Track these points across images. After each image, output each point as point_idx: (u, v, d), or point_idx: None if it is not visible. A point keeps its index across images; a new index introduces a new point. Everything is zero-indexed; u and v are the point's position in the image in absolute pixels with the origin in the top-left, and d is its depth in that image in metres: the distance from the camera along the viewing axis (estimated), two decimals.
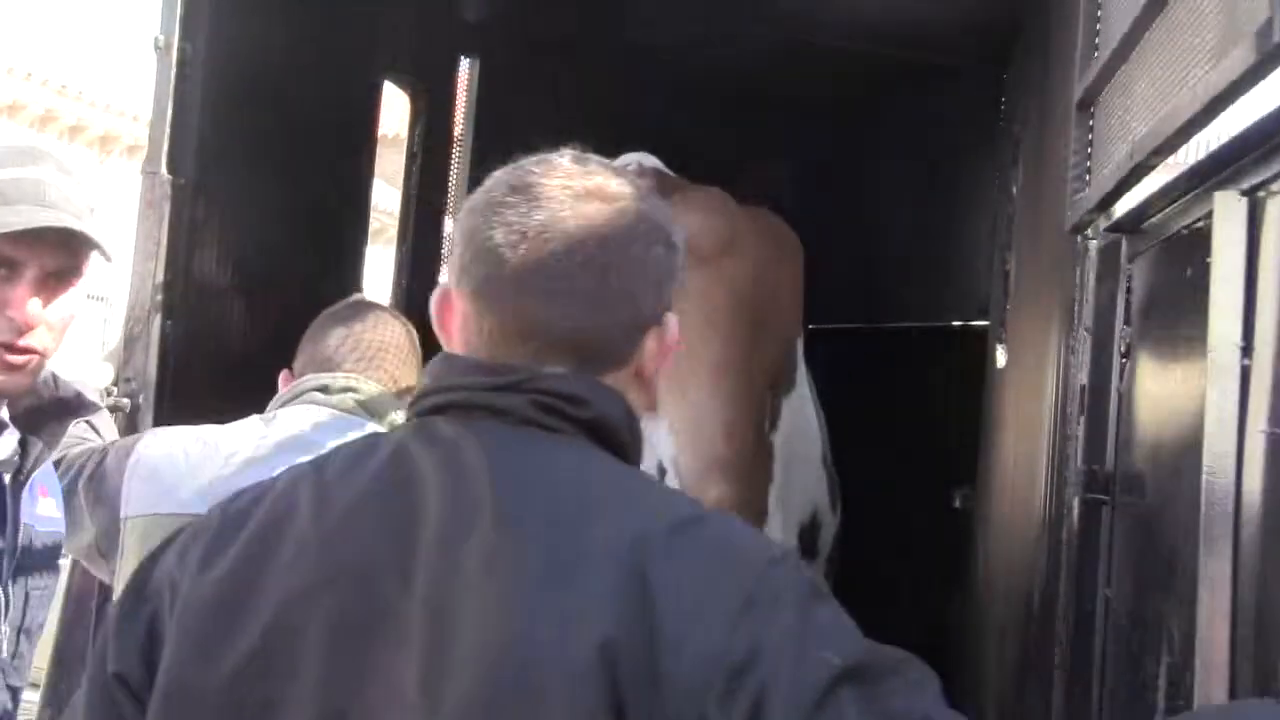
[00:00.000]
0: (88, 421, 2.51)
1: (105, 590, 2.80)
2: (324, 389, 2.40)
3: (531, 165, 1.28)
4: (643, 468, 1.33)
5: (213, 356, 3.36)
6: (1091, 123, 2.16)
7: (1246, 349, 1.33)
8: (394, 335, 2.54)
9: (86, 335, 9.95)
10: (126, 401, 3.00)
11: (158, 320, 3.10)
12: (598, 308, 1.24)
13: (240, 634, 1.17)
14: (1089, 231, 2.13)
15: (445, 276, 5.02)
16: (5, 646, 1.82)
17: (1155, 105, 1.58)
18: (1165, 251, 1.75)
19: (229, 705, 1.16)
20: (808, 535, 3.75)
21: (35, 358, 1.77)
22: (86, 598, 2.99)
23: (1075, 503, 2.08)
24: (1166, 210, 1.71)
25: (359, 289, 4.21)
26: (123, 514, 2.29)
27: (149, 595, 1.24)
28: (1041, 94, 3.03)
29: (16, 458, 1.83)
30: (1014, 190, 3.75)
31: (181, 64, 3.13)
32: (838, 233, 4.91)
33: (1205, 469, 1.34)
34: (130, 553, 2.27)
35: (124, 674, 1.22)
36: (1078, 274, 2.17)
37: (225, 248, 3.41)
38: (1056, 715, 2.16)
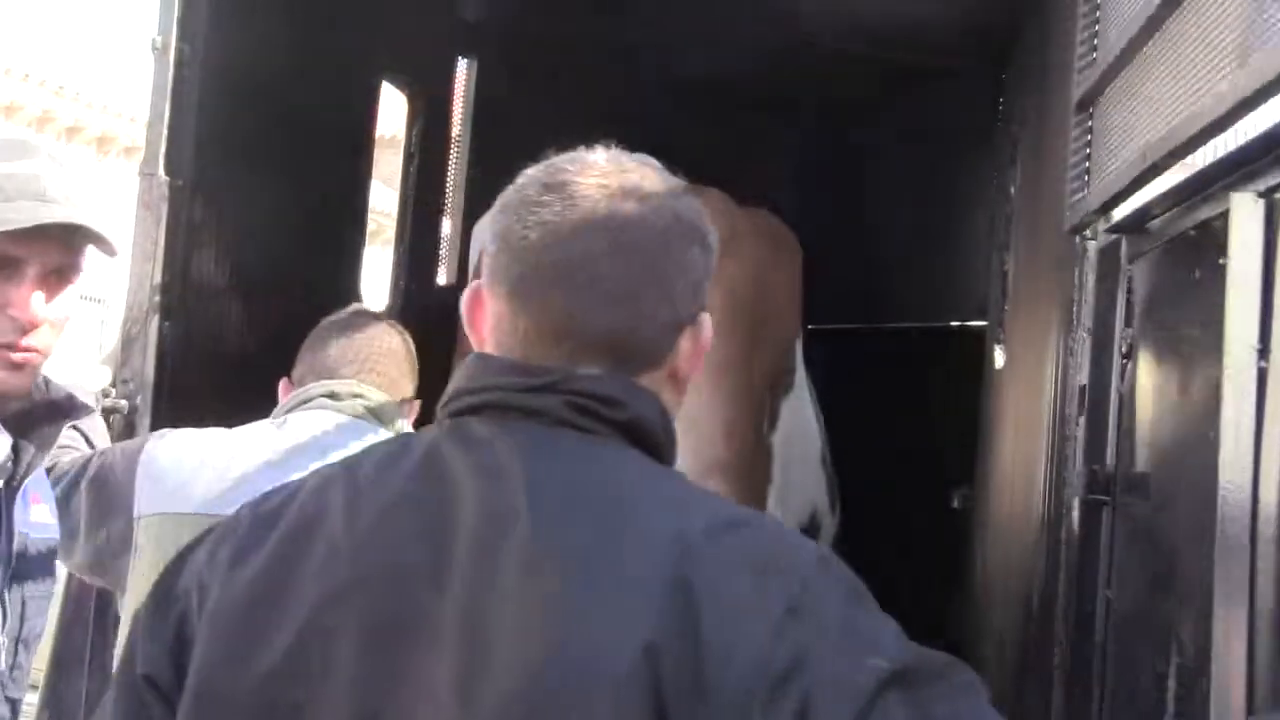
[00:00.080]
0: (78, 429, 2.50)
1: (104, 592, 2.80)
2: (332, 395, 2.41)
3: (565, 163, 1.26)
4: None
5: (210, 358, 3.36)
6: (1090, 123, 2.16)
7: (1263, 350, 1.33)
8: (393, 344, 2.55)
9: (83, 337, 9.94)
10: (124, 404, 3.00)
11: (155, 322, 3.09)
12: (633, 308, 1.23)
13: (274, 633, 1.16)
14: (1088, 232, 2.13)
15: (442, 277, 5.02)
16: (4, 658, 1.79)
17: (1168, 107, 1.57)
18: (1170, 252, 1.74)
19: (261, 705, 1.15)
20: (807, 535, 3.75)
21: (37, 357, 1.74)
22: (85, 599, 2.98)
23: (1075, 503, 2.08)
24: (1171, 212, 1.71)
25: (357, 290, 4.21)
26: (136, 512, 2.29)
27: (177, 596, 1.23)
28: (1040, 94, 3.03)
29: (9, 463, 1.79)
30: (1012, 190, 3.75)
31: (179, 65, 3.12)
32: (836, 233, 4.91)
33: (1221, 469, 1.33)
34: (145, 551, 2.27)
35: (153, 675, 1.21)
36: (1076, 274, 2.16)
37: (223, 249, 3.41)
38: (1056, 716, 2.15)
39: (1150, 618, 1.69)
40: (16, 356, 1.72)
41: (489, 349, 1.26)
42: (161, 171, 3.10)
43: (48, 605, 1.89)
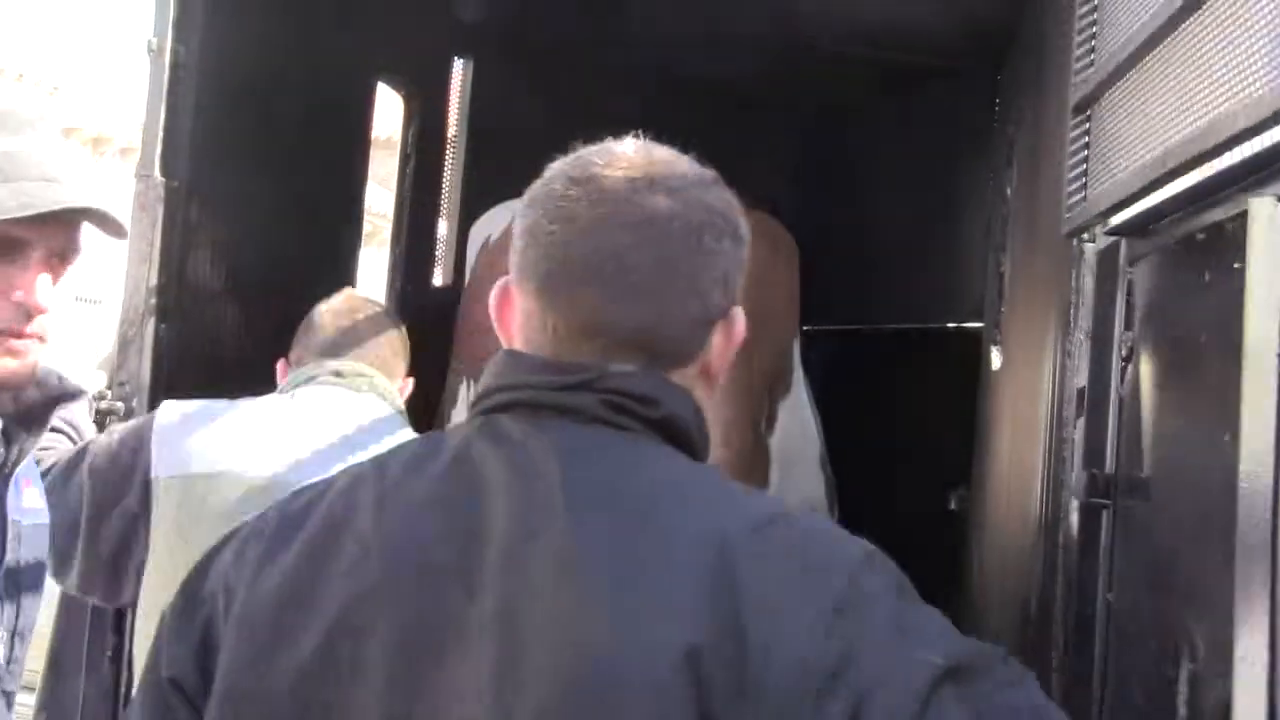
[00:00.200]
0: (62, 427, 2.48)
1: None
2: (338, 373, 2.46)
3: (592, 155, 1.24)
4: None
5: (207, 359, 3.35)
6: (1089, 125, 2.15)
7: None
8: (385, 327, 2.61)
9: (79, 339, 9.93)
10: (120, 405, 3.00)
11: (152, 323, 3.08)
12: (665, 304, 1.21)
13: (303, 634, 1.14)
14: (1086, 235, 2.12)
15: (438, 278, 5.00)
16: (1, 650, 1.76)
17: (1186, 110, 1.56)
18: (1174, 255, 1.73)
19: (291, 707, 1.13)
20: None
21: (40, 344, 1.66)
22: (82, 601, 2.97)
23: (1073, 506, 2.07)
24: (1175, 214, 1.70)
25: None
26: (154, 474, 2.32)
27: (204, 599, 1.21)
28: (1036, 95, 3.03)
29: (1, 450, 1.74)
30: (1008, 191, 3.74)
31: (175, 66, 3.12)
32: (833, 234, 4.91)
33: (1240, 474, 1.31)
34: (165, 516, 2.30)
35: (179, 679, 1.20)
36: (1074, 277, 2.16)
37: (219, 250, 3.40)
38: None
39: (1154, 621, 1.68)
40: (18, 343, 1.64)
41: (518, 346, 1.25)
42: (157, 173, 3.10)
43: (41, 595, 1.85)
